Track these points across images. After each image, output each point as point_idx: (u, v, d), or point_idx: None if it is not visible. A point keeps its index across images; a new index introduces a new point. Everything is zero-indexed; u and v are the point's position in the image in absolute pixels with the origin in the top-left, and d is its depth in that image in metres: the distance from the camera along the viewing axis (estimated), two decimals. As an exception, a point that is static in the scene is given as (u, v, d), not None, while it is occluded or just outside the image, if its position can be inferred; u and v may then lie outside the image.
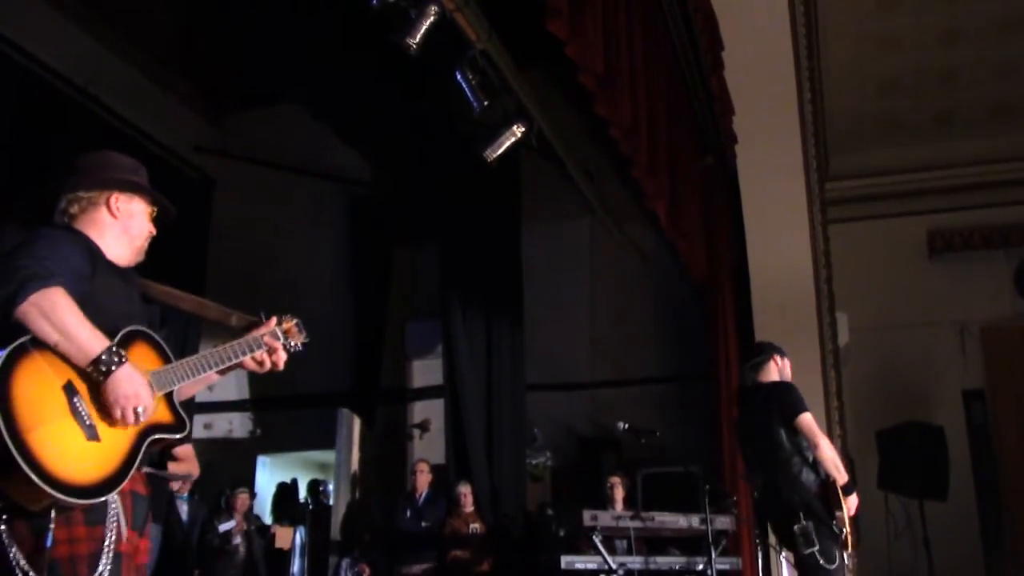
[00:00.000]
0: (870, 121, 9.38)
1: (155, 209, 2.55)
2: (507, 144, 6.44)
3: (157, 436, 2.26)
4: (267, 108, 10.09)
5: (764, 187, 7.79)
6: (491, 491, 8.27)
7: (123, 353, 2.18)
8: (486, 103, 6.02)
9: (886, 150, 9.42)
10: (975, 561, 8.21)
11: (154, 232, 2.55)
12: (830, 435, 7.28)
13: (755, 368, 4.68)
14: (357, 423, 9.24)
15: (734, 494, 6.89)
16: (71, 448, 2.06)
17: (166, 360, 2.37)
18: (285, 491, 9.06)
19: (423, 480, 7.86)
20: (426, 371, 9.50)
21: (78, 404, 2.10)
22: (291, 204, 10.42)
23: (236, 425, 9.53)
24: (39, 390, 2.05)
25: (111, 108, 8.55)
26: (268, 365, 2.59)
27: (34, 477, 1.95)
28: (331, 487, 8.90)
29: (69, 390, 2.10)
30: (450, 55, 5.79)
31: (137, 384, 2.18)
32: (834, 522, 4.23)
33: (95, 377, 2.14)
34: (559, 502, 8.35)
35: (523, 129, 6.40)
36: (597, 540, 5.86)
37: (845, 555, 4.27)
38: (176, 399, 2.36)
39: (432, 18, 5.22)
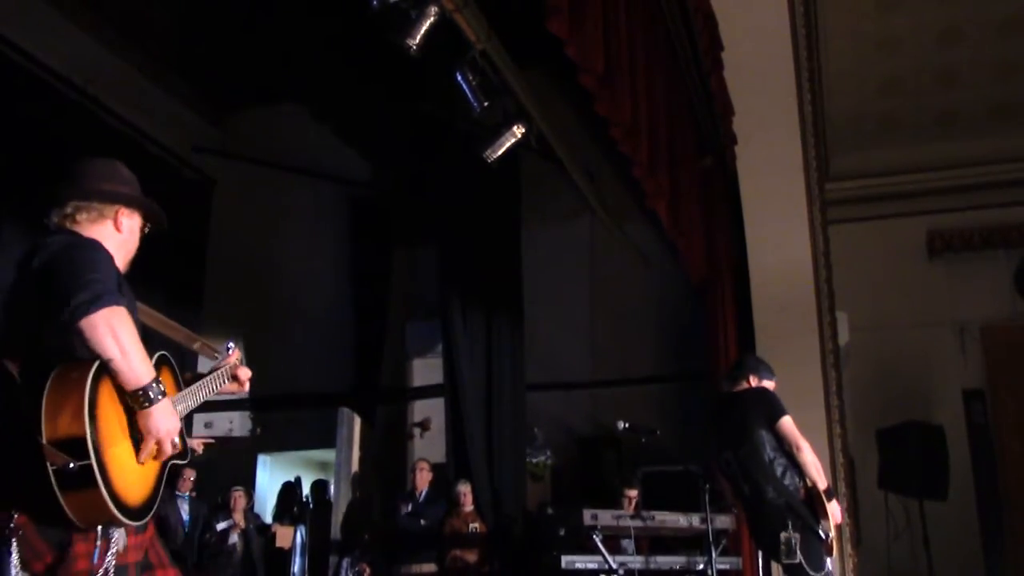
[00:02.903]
0: (870, 121, 9.39)
1: (148, 225, 2.56)
2: (507, 144, 6.43)
3: (172, 462, 2.33)
4: (267, 108, 10.09)
5: (764, 187, 7.79)
6: (491, 490, 8.27)
7: (163, 386, 2.21)
8: (486, 103, 6.02)
9: (886, 150, 9.42)
10: (975, 561, 8.21)
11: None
12: (830, 435, 7.29)
13: (732, 379, 4.83)
14: (357, 422, 9.23)
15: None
16: (128, 469, 2.12)
17: (178, 387, 2.45)
18: (289, 490, 9.06)
19: (423, 479, 7.86)
20: (426, 370, 9.49)
21: (133, 426, 2.16)
22: (291, 204, 10.42)
23: (236, 424, 9.51)
24: (114, 406, 2.11)
25: (111, 108, 8.55)
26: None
27: (107, 499, 1.99)
28: (331, 486, 8.90)
29: (128, 411, 2.15)
30: (450, 55, 5.79)
31: (175, 419, 2.24)
32: (820, 529, 4.29)
33: (137, 404, 2.16)
34: (559, 501, 8.35)
35: (523, 129, 6.40)
36: (597, 539, 5.86)
37: (829, 562, 4.32)
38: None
39: (432, 19, 5.22)
